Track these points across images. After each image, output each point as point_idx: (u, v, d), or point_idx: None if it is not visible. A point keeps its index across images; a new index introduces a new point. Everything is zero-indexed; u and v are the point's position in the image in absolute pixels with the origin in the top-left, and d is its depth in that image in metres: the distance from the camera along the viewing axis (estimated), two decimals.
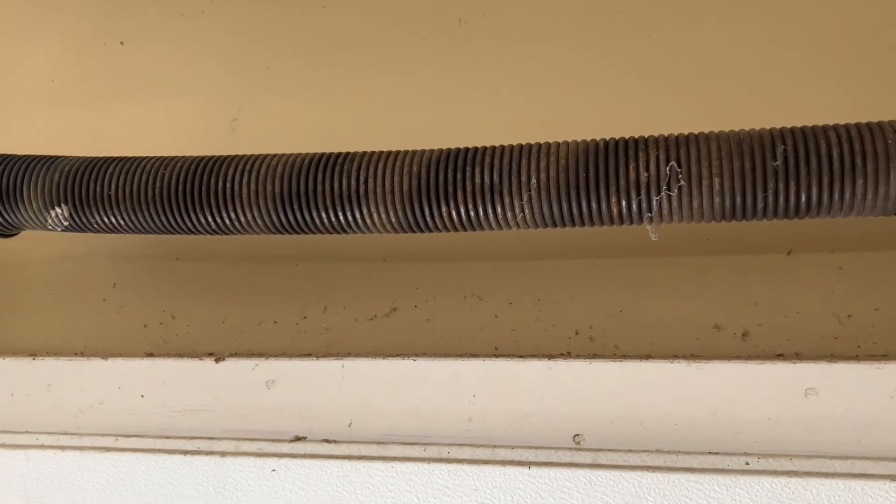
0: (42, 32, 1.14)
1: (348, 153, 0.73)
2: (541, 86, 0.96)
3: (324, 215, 0.72)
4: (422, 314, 0.92)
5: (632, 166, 0.64)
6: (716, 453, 0.71)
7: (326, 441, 0.80)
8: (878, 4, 0.87)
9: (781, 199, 0.62)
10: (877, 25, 0.87)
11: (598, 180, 0.65)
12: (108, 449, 0.84)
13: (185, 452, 0.82)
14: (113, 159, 0.79)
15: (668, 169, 0.63)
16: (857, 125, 0.61)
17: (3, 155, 0.83)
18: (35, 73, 1.13)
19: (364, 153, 0.73)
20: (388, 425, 0.80)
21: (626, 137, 0.66)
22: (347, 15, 1.04)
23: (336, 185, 0.71)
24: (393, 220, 0.71)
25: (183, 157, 0.77)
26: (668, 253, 0.87)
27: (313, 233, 0.75)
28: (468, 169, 0.68)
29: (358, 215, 0.71)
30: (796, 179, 0.61)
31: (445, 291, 0.92)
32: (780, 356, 0.79)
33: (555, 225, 0.68)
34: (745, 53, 0.90)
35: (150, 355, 0.90)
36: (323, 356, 0.84)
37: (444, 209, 0.69)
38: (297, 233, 0.75)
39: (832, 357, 0.73)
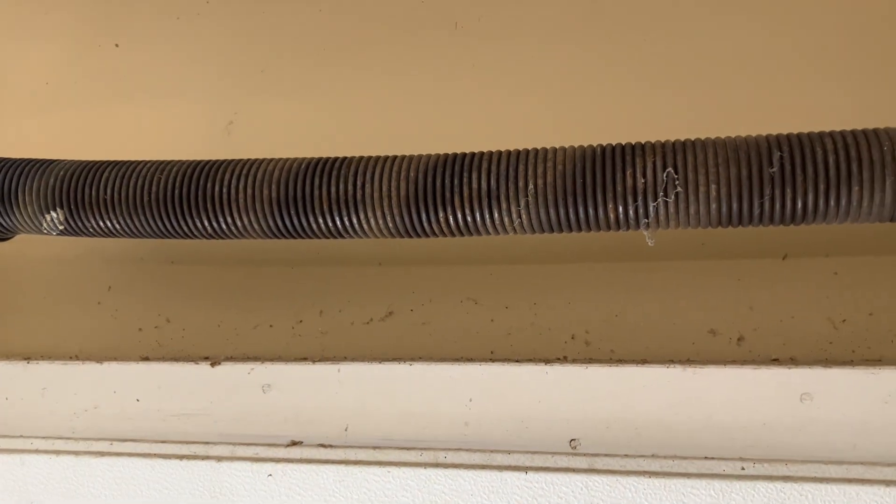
0: (37, 34, 1.14)
1: (345, 158, 0.73)
2: (537, 90, 0.96)
3: (320, 220, 0.72)
4: (418, 318, 0.92)
5: (629, 172, 0.64)
6: (711, 458, 0.72)
7: (323, 446, 0.80)
8: (877, 8, 0.87)
9: (778, 205, 0.62)
10: (876, 29, 0.87)
11: (595, 186, 0.65)
12: (103, 453, 0.84)
13: (180, 457, 0.81)
14: (108, 163, 0.78)
15: (665, 175, 0.63)
16: (854, 132, 0.62)
17: None
18: (30, 75, 1.13)
19: (361, 158, 0.73)
20: (385, 430, 0.80)
21: (623, 143, 0.67)
22: (344, 18, 1.04)
23: (333, 189, 0.71)
24: (390, 225, 0.71)
25: (179, 161, 0.77)
26: (663, 257, 0.87)
27: (310, 237, 0.75)
28: (465, 174, 0.68)
29: (355, 220, 0.71)
30: (793, 186, 0.61)
31: (441, 295, 0.92)
32: (776, 361, 0.79)
33: (552, 230, 0.68)
34: (744, 57, 0.90)
35: (146, 359, 0.90)
36: (319, 360, 0.84)
37: (441, 214, 0.69)
38: (294, 237, 0.75)
39: (827, 362, 0.74)
